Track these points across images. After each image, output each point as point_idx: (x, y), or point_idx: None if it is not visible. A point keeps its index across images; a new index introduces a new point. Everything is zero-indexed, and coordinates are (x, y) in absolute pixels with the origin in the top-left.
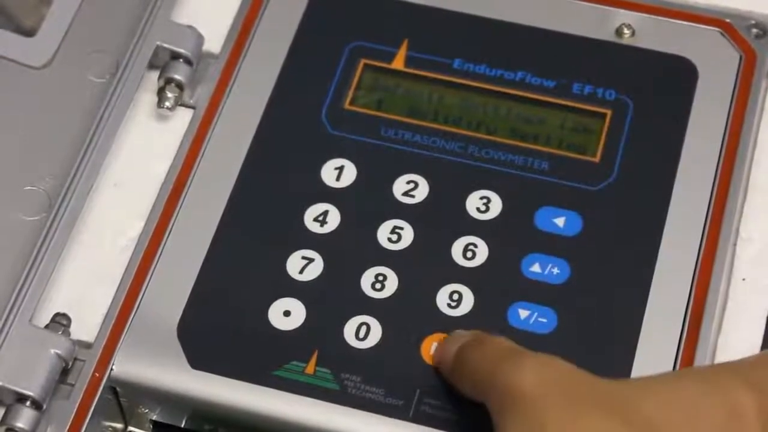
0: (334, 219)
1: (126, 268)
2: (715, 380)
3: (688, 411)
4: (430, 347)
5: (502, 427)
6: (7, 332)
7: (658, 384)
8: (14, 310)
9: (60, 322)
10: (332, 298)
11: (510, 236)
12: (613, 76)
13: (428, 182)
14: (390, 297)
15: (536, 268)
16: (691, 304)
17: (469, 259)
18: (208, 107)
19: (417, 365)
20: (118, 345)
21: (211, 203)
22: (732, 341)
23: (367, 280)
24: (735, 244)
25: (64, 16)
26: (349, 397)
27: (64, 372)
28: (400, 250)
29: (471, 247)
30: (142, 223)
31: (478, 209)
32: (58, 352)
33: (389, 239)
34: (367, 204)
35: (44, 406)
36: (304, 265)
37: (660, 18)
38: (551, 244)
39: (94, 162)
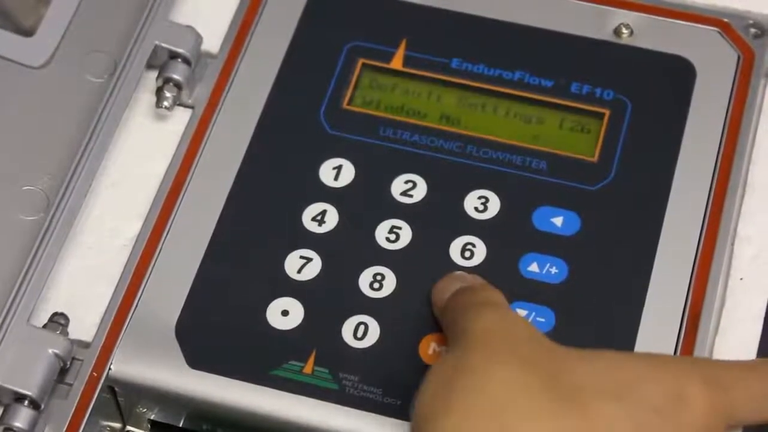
0: (332, 218)
1: (124, 268)
2: (671, 366)
3: (623, 384)
4: (428, 347)
5: (440, 360)
6: (5, 332)
7: (605, 355)
8: (12, 310)
9: (58, 321)
10: (330, 298)
11: (508, 236)
12: (612, 75)
13: (426, 182)
14: (388, 296)
15: (534, 267)
16: (688, 303)
17: (467, 258)
18: (207, 107)
19: (415, 364)
20: (116, 344)
21: (210, 203)
22: (730, 340)
23: (365, 279)
24: (733, 244)
25: (62, 16)
26: (347, 397)
27: (62, 371)
28: (398, 250)
29: (469, 246)
30: (140, 223)
31: (476, 209)
32: (56, 351)
33: (387, 239)
34: (365, 203)
35: (42, 406)
36: (302, 265)
37: (658, 18)
38: (549, 244)
39: (92, 162)
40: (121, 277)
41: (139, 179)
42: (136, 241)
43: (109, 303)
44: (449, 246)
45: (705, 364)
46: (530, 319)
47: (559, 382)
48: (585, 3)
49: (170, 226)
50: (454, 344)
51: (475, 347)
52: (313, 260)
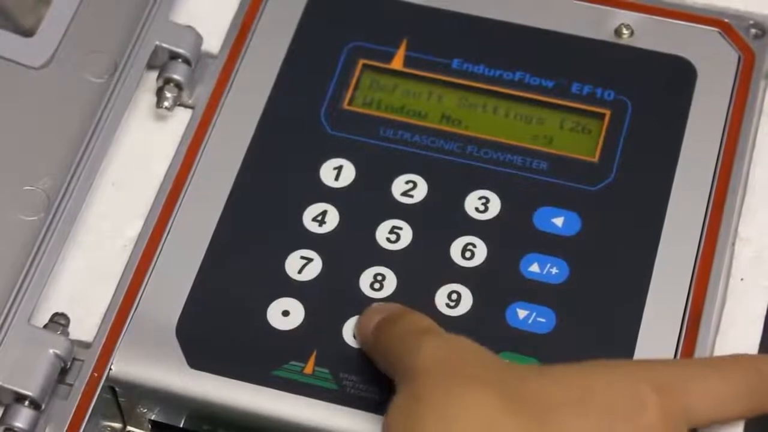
0: (332, 219)
1: (125, 268)
2: (625, 372)
3: (583, 393)
4: None
5: (391, 402)
6: (6, 332)
7: (558, 367)
8: (13, 310)
9: (59, 321)
10: (331, 298)
11: (509, 236)
12: (612, 76)
13: (427, 182)
14: (389, 297)
15: (535, 267)
16: (689, 304)
17: (467, 259)
18: (207, 107)
19: None
20: (117, 345)
21: (210, 203)
22: (730, 341)
23: (365, 280)
24: (733, 245)
25: (62, 16)
26: (347, 397)
27: (62, 372)
28: (398, 250)
29: (470, 247)
30: (141, 223)
31: (476, 209)
32: (57, 351)
33: (388, 239)
34: (365, 204)
35: (43, 406)
36: (302, 265)
37: (659, 18)
38: (550, 244)
39: (93, 162)
40: (121, 278)
41: (140, 179)
42: (137, 241)
43: (110, 303)
44: (450, 246)
45: (658, 368)
46: (531, 320)
47: (521, 398)
48: (585, 3)
49: (171, 227)
50: (403, 381)
51: (428, 379)
52: (314, 260)
